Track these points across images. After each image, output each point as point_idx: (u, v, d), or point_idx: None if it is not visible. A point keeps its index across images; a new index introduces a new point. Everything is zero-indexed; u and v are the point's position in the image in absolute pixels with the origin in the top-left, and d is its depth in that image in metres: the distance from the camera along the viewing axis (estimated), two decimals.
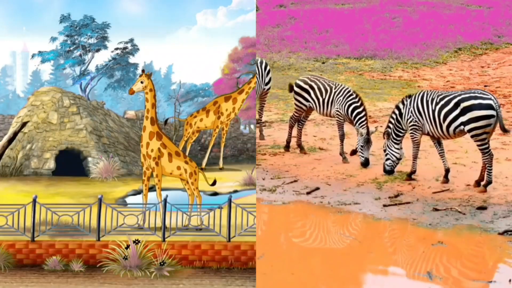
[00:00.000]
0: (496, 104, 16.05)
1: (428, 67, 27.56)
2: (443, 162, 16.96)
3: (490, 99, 16.06)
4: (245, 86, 23.57)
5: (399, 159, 17.45)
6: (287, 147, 19.43)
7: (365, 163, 18.03)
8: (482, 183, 16.45)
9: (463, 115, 16.21)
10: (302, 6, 36.59)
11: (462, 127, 16.25)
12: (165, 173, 16.16)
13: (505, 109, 22.47)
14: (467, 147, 18.54)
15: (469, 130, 16.20)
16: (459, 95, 16.39)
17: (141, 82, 15.84)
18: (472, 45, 30.26)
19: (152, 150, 15.97)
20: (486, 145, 16.19)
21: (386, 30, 31.47)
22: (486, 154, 16.24)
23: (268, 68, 21.56)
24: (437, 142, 16.99)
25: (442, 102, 16.48)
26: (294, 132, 19.81)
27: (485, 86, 25.14)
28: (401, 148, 17.37)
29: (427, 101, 16.75)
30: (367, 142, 17.97)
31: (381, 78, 26.29)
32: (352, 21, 32.67)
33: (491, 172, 16.30)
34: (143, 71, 16.07)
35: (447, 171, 16.91)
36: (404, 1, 36.63)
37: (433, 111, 16.61)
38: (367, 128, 18.03)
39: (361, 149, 18.07)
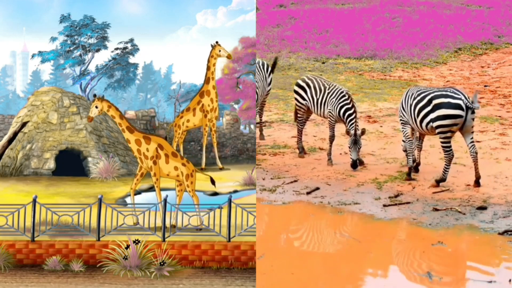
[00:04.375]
0: (467, 103, 16.15)
1: (428, 67, 27.56)
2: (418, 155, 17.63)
3: (460, 99, 16.23)
4: (208, 73, 23.47)
5: (404, 151, 17.72)
6: (301, 153, 19.17)
7: (353, 165, 17.98)
8: (436, 178, 16.74)
9: (433, 112, 16.46)
10: (302, 6, 36.59)
11: (431, 123, 16.40)
12: (162, 175, 16.17)
13: (505, 109, 22.48)
14: (467, 147, 18.52)
15: (436, 127, 16.39)
16: (433, 92, 16.68)
17: (96, 107, 15.90)
18: (472, 45, 30.26)
19: (148, 150, 16.00)
20: (449, 144, 16.47)
21: (386, 30, 31.47)
22: (447, 153, 16.52)
23: (269, 69, 21.55)
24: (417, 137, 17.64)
25: (418, 98, 16.80)
26: (294, 132, 19.83)
27: (485, 86, 25.15)
28: (404, 141, 17.57)
29: (408, 97, 17.10)
30: (355, 143, 17.93)
31: (381, 78, 26.29)
32: (352, 21, 32.67)
33: (447, 171, 16.58)
34: (94, 95, 16.20)
35: (417, 164, 17.61)
36: (404, 1, 36.64)
37: (411, 106, 16.94)
38: (355, 129, 17.98)
39: (349, 150, 18.05)
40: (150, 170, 16.04)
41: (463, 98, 16.25)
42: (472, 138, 16.45)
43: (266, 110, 22.10)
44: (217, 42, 23.24)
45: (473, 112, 16.30)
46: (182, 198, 16.28)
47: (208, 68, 23.33)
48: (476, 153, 16.48)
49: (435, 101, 16.45)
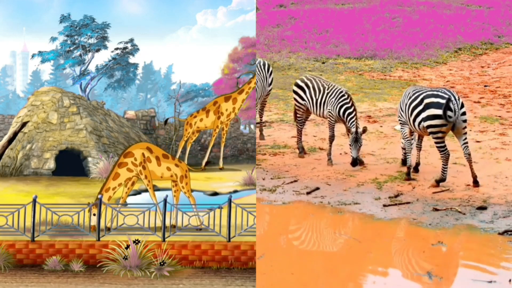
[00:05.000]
0: (455, 104, 16.13)
1: (428, 67, 27.56)
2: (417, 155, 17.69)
3: (449, 99, 16.17)
4: (245, 86, 23.79)
5: (403, 148, 17.77)
6: (301, 153, 19.17)
7: (353, 163, 18.00)
8: (436, 178, 16.72)
9: (424, 111, 16.48)
10: (302, 6, 36.60)
11: (423, 123, 16.44)
12: (156, 177, 16.16)
13: (505, 109, 22.48)
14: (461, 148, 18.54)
15: (427, 127, 16.39)
16: (426, 91, 16.70)
17: (94, 215, 15.27)
18: (472, 45, 30.26)
19: (135, 159, 15.99)
20: (442, 144, 16.45)
21: (386, 30, 31.47)
22: (442, 153, 16.50)
23: (270, 69, 21.50)
24: (418, 137, 17.63)
25: (413, 98, 16.83)
26: (294, 132, 19.84)
27: (485, 86, 25.15)
28: (403, 139, 17.56)
29: (405, 97, 17.13)
30: (356, 141, 17.95)
31: (381, 78, 26.29)
32: (352, 21, 32.67)
33: (446, 170, 16.55)
34: (92, 205, 15.40)
35: (417, 164, 17.65)
36: (404, 1, 36.64)
37: (406, 105, 16.98)
38: (356, 127, 18.00)
39: (350, 148, 18.08)
40: (140, 175, 16.04)
41: (452, 98, 16.24)
42: (465, 139, 16.43)
43: (266, 110, 22.09)
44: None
45: (463, 114, 16.32)
46: (180, 198, 16.30)
47: (249, 82, 23.66)
48: (469, 154, 16.46)
49: (425, 101, 16.47)
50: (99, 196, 15.40)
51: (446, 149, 16.46)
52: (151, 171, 16.09)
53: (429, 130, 16.45)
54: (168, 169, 16.19)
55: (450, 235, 14.53)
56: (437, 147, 16.53)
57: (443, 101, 16.23)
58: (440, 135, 16.38)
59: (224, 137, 23.91)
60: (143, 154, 16.05)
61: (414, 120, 16.72)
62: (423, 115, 16.47)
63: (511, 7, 35.11)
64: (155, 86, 53.64)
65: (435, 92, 16.48)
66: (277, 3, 37.12)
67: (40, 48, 29.62)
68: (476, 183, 16.53)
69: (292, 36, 30.87)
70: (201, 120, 23.61)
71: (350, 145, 18.02)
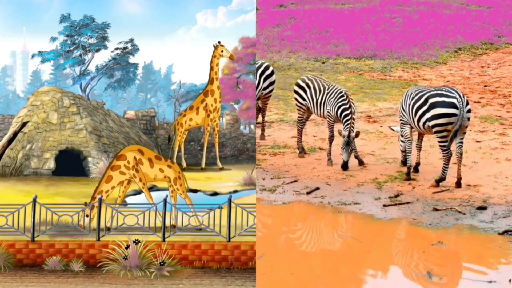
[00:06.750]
0: (460, 103, 16.15)
1: (428, 67, 27.56)
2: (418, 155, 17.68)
3: (454, 97, 16.24)
4: (212, 73, 23.45)
5: (402, 151, 17.77)
6: (301, 153, 19.14)
7: (343, 166, 17.93)
8: (436, 179, 16.74)
9: (429, 111, 16.52)
10: (302, 6, 36.60)
11: (428, 122, 16.46)
12: (149, 179, 16.16)
13: (505, 109, 22.48)
14: (467, 147, 18.53)
15: (432, 126, 16.44)
16: (430, 91, 16.73)
17: (87, 216, 15.33)
18: (472, 45, 30.26)
19: (128, 162, 15.98)
20: (446, 143, 16.45)
21: (386, 30, 31.47)
22: (444, 152, 16.52)
23: (267, 72, 20.88)
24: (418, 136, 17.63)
25: (416, 98, 16.86)
26: (294, 132, 19.83)
27: (485, 86, 25.15)
28: (403, 142, 17.56)
29: (407, 97, 17.14)
30: (347, 144, 17.85)
31: (381, 78, 26.29)
32: (352, 21, 32.67)
33: (446, 170, 16.58)
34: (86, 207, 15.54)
35: (417, 164, 17.62)
36: (404, 1, 36.64)
37: (409, 105, 17.00)
38: (349, 130, 17.88)
39: (341, 151, 18.00)
40: (134, 178, 16.05)
41: (457, 97, 16.27)
42: (462, 138, 16.43)
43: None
44: (219, 42, 23.16)
45: (468, 111, 16.33)
46: (179, 198, 16.30)
47: (211, 68, 23.32)
48: (462, 154, 16.49)
49: (430, 100, 16.50)
50: (99, 196, 15.41)
51: (449, 148, 16.46)
52: (144, 173, 16.10)
53: (434, 129, 16.46)
54: (161, 170, 16.20)
55: (450, 235, 14.53)
56: (440, 146, 16.54)
57: (448, 100, 16.26)
58: (445, 133, 16.40)
59: (216, 137, 23.79)
60: (135, 157, 16.06)
61: (418, 120, 16.72)
62: (428, 115, 16.47)
63: (511, 7, 35.12)
64: (155, 86, 53.66)
65: (439, 92, 16.50)
66: (277, 3, 37.12)
67: (40, 48, 29.66)
68: (459, 185, 16.53)
69: (292, 36, 30.87)
70: (190, 119, 23.55)
71: (341, 148, 17.95)
